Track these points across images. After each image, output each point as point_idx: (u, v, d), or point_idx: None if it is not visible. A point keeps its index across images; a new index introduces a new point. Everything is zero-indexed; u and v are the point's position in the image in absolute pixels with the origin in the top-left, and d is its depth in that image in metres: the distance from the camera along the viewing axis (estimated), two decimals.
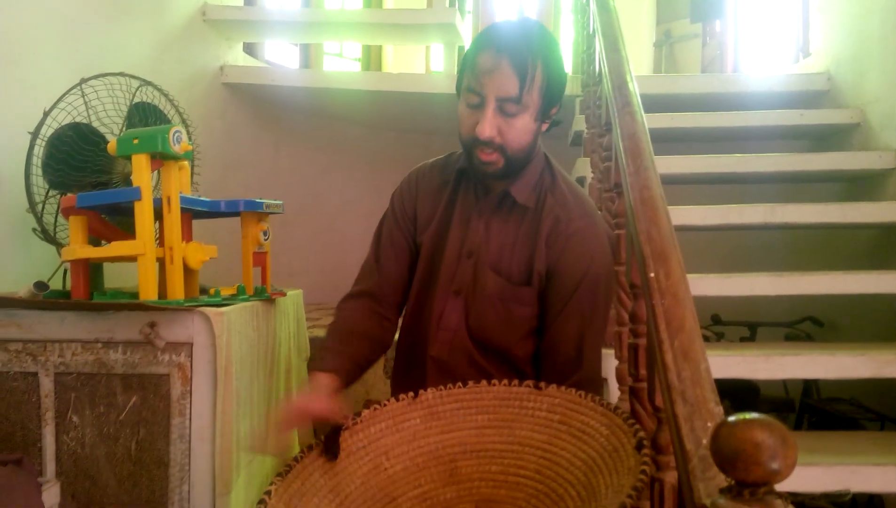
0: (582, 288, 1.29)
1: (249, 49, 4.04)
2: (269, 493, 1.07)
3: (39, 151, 1.82)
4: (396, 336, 1.48)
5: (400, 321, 1.47)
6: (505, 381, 1.22)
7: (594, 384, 1.32)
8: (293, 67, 4.77)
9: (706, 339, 2.85)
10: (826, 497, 0.67)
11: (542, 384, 1.20)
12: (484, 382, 1.24)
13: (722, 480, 0.73)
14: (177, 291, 1.62)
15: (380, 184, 4.49)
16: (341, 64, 5.59)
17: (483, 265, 1.33)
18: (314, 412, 1.17)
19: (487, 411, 1.22)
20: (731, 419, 0.70)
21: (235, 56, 3.74)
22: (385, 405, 1.27)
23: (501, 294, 1.32)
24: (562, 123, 1.38)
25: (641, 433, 0.99)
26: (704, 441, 0.81)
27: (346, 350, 1.32)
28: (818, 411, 2.79)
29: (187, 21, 3.23)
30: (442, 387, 1.24)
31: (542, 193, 1.34)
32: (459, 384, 1.25)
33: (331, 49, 5.42)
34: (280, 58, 4.59)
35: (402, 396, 1.22)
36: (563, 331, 1.31)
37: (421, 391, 1.21)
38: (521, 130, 1.25)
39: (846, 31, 3.15)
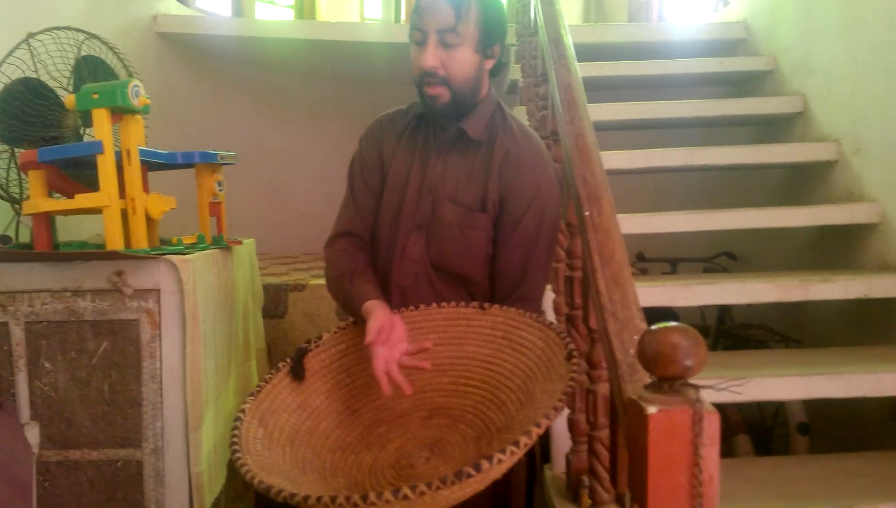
0: (530, 213, 1.43)
1: None
2: (243, 411, 1.20)
3: None
4: None
5: None
6: (453, 303, 1.38)
7: (534, 301, 1.48)
8: (225, 15, 4.70)
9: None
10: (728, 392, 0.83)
11: (486, 305, 1.36)
12: (434, 305, 1.39)
13: (647, 380, 0.90)
14: (141, 240, 1.70)
15: (321, 133, 4.54)
16: (273, 12, 5.51)
17: (440, 198, 1.46)
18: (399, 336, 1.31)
19: (438, 330, 1.37)
20: (654, 327, 0.86)
21: (168, 5, 3.68)
22: (345, 328, 1.42)
23: (459, 221, 1.45)
24: (508, 65, 1.50)
25: (572, 345, 1.14)
26: (632, 351, 0.98)
27: (370, 280, 1.45)
28: (731, 335, 3.06)
29: None
30: (397, 310, 1.38)
31: (495, 130, 1.48)
32: (412, 307, 1.40)
33: None
34: (212, 5, 4.51)
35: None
36: (512, 252, 1.45)
37: None
38: (462, 62, 1.39)
39: None
